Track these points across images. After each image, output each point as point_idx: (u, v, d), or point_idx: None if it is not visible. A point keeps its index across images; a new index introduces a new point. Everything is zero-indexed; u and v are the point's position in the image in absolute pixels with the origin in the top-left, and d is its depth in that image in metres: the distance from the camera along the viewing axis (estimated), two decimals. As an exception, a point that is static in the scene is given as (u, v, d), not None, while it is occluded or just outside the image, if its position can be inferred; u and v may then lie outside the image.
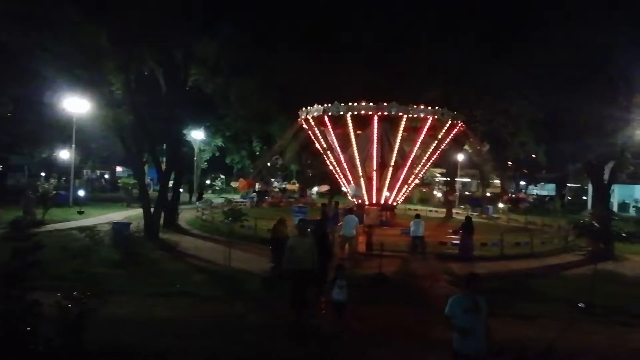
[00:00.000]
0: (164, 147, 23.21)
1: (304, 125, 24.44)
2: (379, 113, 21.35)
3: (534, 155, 38.33)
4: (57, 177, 37.20)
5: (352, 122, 21.83)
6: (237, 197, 33.32)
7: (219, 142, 45.89)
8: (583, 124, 19.49)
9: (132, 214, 22.11)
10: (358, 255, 14.53)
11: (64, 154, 36.93)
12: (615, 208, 34.00)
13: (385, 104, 21.28)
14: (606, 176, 20.29)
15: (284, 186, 42.21)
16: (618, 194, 36.42)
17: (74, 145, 27.29)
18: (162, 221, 18.47)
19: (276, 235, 12.21)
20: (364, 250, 15.15)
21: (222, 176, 50.21)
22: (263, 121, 36.60)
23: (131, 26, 15.23)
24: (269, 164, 42.61)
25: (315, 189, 42.31)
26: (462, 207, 35.69)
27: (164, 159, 21.12)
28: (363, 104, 21.48)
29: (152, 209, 17.47)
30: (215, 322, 8.14)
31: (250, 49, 22.72)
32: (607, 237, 16.37)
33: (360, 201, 23.25)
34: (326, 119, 22.50)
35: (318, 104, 22.65)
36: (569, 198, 46.25)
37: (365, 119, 21.85)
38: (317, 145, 25.06)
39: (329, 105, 22.16)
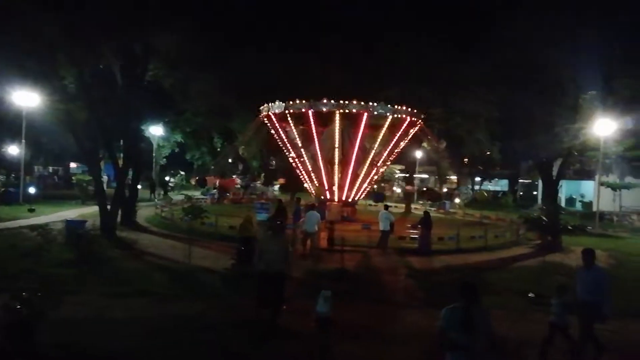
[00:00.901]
0: (121, 143, 22.56)
1: (266, 122, 24.39)
2: (340, 110, 21.57)
3: (488, 153, 39.80)
4: (5, 174, 35.42)
5: (313, 119, 21.96)
6: (197, 194, 32.81)
7: (179, 138, 44.97)
8: (534, 123, 20.45)
9: (87, 212, 21.40)
10: (319, 251, 14.68)
11: (13, 150, 35.20)
12: (562, 203, 35.78)
13: (346, 101, 21.52)
14: (555, 172, 21.38)
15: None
16: (565, 189, 38.31)
17: (23, 141, 26.06)
18: (119, 219, 18.00)
19: (244, 234, 12.16)
20: (325, 246, 15.32)
21: (182, 172, 49.27)
22: (224, 117, 36.18)
23: (86, 18, 14.69)
24: (230, 160, 42.25)
25: (276, 185, 42.26)
26: (420, 202, 36.58)
27: (121, 154, 20.54)
28: (324, 101, 21.64)
29: (108, 207, 17.00)
30: (175, 321, 8.05)
31: (211, 44, 22.34)
32: (555, 230, 17.32)
33: (322, 197, 23.46)
34: (288, 115, 22.53)
35: (280, 101, 22.65)
36: (521, 193, 48.30)
37: (326, 116, 22.03)
38: (279, 141, 25.06)
39: (291, 102, 22.20)
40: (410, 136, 24.54)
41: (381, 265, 13.72)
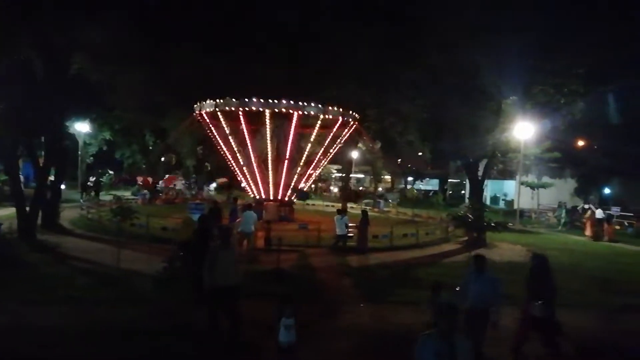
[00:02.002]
0: (43, 140, 21.07)
1: (199, 120, 23.83)
2: (270, 110, 21.46)
3: (420, 153, 41.46)
4: None
5: (246, 118, 21.69)
6: (127, 194, 31.37)
7: (107, 135, 42.75)
8: (461, 126, 21.60)
9: (3, 214, 19.78)
10: (256, 252, 14.58)
11: None
12: (487, 201, 38.09)
13: (276, 100, 21.39)
14: (480, 173, 22.71)
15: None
16: (490, 188, 40.79)
17: None
18: (40, 221, 16.80)
19: (184, 237, 11.66)
20: (262, 246, 15.24)
21: (111, 172, 46.87)
22: (156, 114, 34.84)
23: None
24: (162, 159, 40.78)
25: (212, 185, 41.35)
26: (355, 202, 37.34)
27: (43, 152, 19.18)
28: (255, 100, 21.41)
29: (27, 208, 15.82)
30: (103, 327, 7.67)
31: (141, 38, 21.38)
32: (480, 227, 18.37)
33: (258, 197, 23.30)
34: (219, 114, 22.14)
35: (211, 99, 22.23)
36: (450, 192, 50.70)
37: (258, 115, 21.86)
38: (213, 140, 24.57)
39: (221, 100, 21.81)
40: (345, 136, 24.95)
41: (318, 264, 13.87)
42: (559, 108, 22.23)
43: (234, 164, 24.17)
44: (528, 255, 16.68)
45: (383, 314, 9.20)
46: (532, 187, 34.55)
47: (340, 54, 24.82)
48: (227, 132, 22.93)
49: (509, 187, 41.11)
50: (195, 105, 23.38)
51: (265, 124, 21.87)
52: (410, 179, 54.89)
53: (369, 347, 7.56)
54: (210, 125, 23.34)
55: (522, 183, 31.05)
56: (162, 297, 9.55)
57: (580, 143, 34.22)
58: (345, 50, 24.70)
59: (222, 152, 24.62)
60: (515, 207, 30.12)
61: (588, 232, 23.61)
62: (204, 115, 22.83)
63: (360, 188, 49.75)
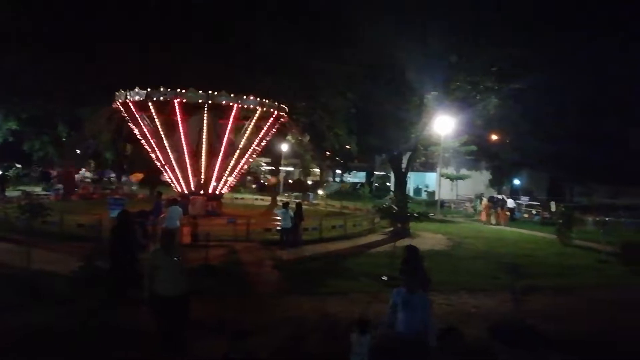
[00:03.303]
0: None
1: (122, 110, 22.51)
2: (208, 101, 20.91)
3: (347, 146, 42.26)
4: None
5: (180, 109, 20.93)
6: (37, 190, 28.98)
7: (13, 125, 39.11)
8: (386, 120, 22.34)
9: None
10: (183, 248, 14.10)
11: None
12: (411, 193, 39.79)
13: (214, 92, 20.93)
14: (404, 165, 23.65)
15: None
16: (413, 180, 42.62)
17: None
18: None
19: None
20: (189, 242, 14.79)
21: (18, 165, 43.02)
22: (71, 103, 32.43)
23: None
24: (78, 151, 38.10)
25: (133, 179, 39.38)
26: (286, 194, 37.39)
27: None
28: (193, 91, 20.75)
29: None
30: (12, 333, 7.06)
31: (48, 22, 19.74)
32: (404, 217, 19.15)
33: (185, 191, 22.55)
34: (150, 104, 21.13)
35: (140, 88, 21.11)
36: (376, 184, 52.30)
37: (193, 107, 21.18)
38: (137, 131, 23.34)
39: (153, 89, 20.84)
40: (276, 129, 24.86)
41: (248, 258, 13.73)
42: (475, 104, 23.69)
43: (160, 157, 23.16)
44: (448, 243, 17.74)
45: (313, 305, 9.32)
46: (452, 178, 36.60)
47: (272, 47, 24.55)
48: (157, 123, 21.93)
49: (431, 179, 43.21)
50: (117, 94, 22.05)
51: (201, 116, 21.21)
52: (338, 171, 55.82)
53: (299, 338, 7.63)
54: (136, 115, 22.15)
55: (442, 175, 32.79)
56: (77, 298, 8.96)
57: (494, 137, 36.72)
58: (277, 44, 24.48)
59: (146, 144, 23.47)
60: (437, 198, 31.76)
61: (483, 217, 26.70)
62: (130, 104, 21.64)
63: (290, 180, 49.77)
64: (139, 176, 38.28)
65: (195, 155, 22.08)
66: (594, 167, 34.88)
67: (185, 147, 21.84)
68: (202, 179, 22.33)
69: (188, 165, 22.16)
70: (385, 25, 19.06)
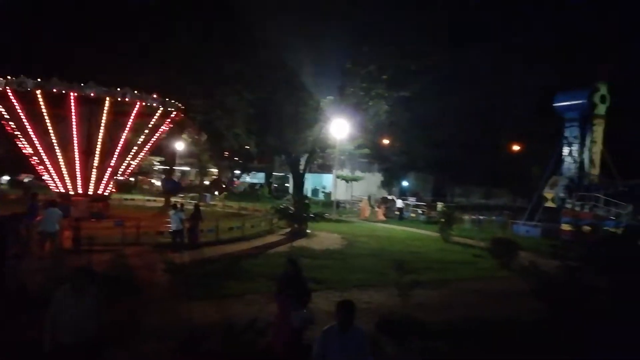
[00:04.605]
0: None
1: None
2: (77, 93, 19.14)
3: (247, 147, 41.93)
4: None
5: (47, 101, 18.94)
6: None
7: None
8: (284, 121, 22.68)
9: None
10: (63, 253, 12.94)
11: None
12: (309, 193, 40.63)
13: (83, 84, 19.20)
14: (302, 167, 24.15)
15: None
16: (311, 181, 43.56)
17: None
18: None
19: None
20: (70, 247, 13.59)
21: None
22: None
23: None
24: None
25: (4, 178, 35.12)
26: (180, 195, 35.96)
27: None
28: (57, 81, 18.83)
29: None
30: None
31: None
32: (301, 218, 19.55)
33: (65, 192, 20.60)
34: (10, 94, 18.91)
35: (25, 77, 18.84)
36: (276, 185, 52.56)
37: (88, 101, 19.32)
38: (13, 125, 20.74)
39: (13, 77, 18.67)
40: (168, 127, 23.74)
41: (139, 263, 12.97)
42: (367, 109, 25.00)
43: (32, 154, 20.83)
44: (343, 242, 18.42)
45: (207, 309, 9.12)
46: (347, 180, 38.09)
47: (162, 40, 23.50)
48: (23, 116, 19.62)
49: (328, 180, 44.53)
50: None
51: (70, 109, 19.35)
52: (237, 172, 55.09)
53: (193, 342, 7.41)
54: (16, 107, 19.64)
55: (338, 176, 33.97)
56: None
57: (385, 141, 38.97)
58: (167, 37, 23.49)
59: (15, 139, 20.98)
60: (333, 198, 32.81)
61: (363, 215, 29.11)
62: (10, 94, 19.14)
63: (208, 181, 47.99)
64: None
65: (84, 154, 20.24)
66: (470, 170, 38.71)
67: (56, 144, 19.85)
68: (89, 179, 20.59)
69: (63, 165, 20.22)
70: (282, 28, 19.37)
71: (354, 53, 21.47)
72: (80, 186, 20.61)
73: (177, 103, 22.92)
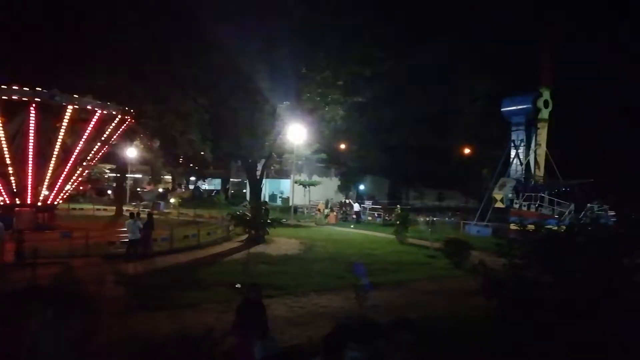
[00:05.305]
0: None
1: None
2: (36, 100, 18.43)
3: (202, 153, 41.20)
4: None
5: (2, 108, 18.16)
6: None
7: None
8: (240, 127, 22.50)
9: None
10: (4, 267, 12.24)
11: None
12: (266, 199, 40.36)
13: (43, 90, 18.54)
14: (259, 172, 24.00)
15: None
16: (268, 187, 43.33)
17: None
18: None
19: None
20: (12, 260, 12.87)
21: None
22: None
23: None
24: None
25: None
26: (133, 203, 34.88)
27: None
28: (15, 87, 18.12)
29: None
30: None
31: None
32: (258, 224, 19.42)
33: (9, 202, 19.55)
34: None
35: None
36: (232, 191, 51.90)
37: (16, 105, 18.47)
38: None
39: None
40: (119, 133, 23.03)
41: (88, 276, 12.46)
42: (324, 114, 25.21)
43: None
44: (301, 247, 18.41)
45: (162, 321, 8.89)
46: (304, 185, 38.16)
47: (109, 43, 22.74)
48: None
49: (285, 186, 44.45)
50: None
51: (27, 117, 18.58)
52: (192, 178, 53.98)
53: (148, 356, 7.20)
54: None
55: (295, 182, 33.98)
56: None
57: (342, 146, 39.38)
58: (115, 41, 22.76)
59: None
60: (291, 203, 32.78)
61: (322, 220, 29.34)
62: None
63: (138, 189, 46.55)
64: None
65: (19, 161, 19.30)
66: (423, 174, 39.76)
67: (5, 152, 18.95)
68: (29, 188, 19.61)
69: (10, 173, 19.27)
70: (237, 32, 19.28)
71: (308, 58, 21.63)
72: (29, 196, 19.64)
73: (129, 109, 22.31)
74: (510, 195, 26.25)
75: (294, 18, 21.20)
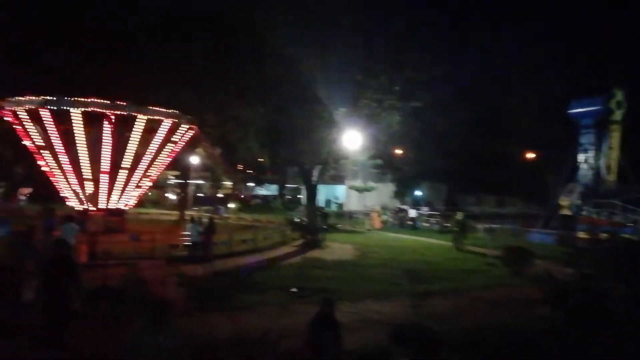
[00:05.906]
0: None
1: (9, 119, 20.59)
2: (113, 111, 19.85)
3: (260, 159, 42.21)
4: None
5: (82, 120, 19.69)
6: None
7: None
8: (298, 134, 22.84)
9: None
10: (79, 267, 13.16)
11: None
12: (322, 204, 40.68)
13: (120, 102, 19.95)
14: (315, 178, 24.23)
15: None
16: (324, 192, 43.61)
17: None
18: None
19: None
20: (86, 261, 13.83)
21: None
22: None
23: None
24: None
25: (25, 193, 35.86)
26: (195, 208, 36.32)
27: None
28: (95, 100, 19.61)
29: None
30: None
31: None
32: (314, 229, 19.63)
33: (82, 207, 21.04)
34: (44, 113, 19.59)
35: (31, 95, 19.53)
36: (289, 197, 52.70)
37: (94, 117, 19.96)
38: (28, 143, 21.38)
39: (50, 97, 19.37)
40: (186, 141, 24.19)
41: (153, 277, 13.13)
42: (380, 120, 25.04)
43: (56, 171, 21.38)
44: (355, 253, 18.39)
45: (220, 322, 9.21)
46: (359, 190, 38.05)
47: (183, 58, 23.92)
48: (54, 134, 20.32)
49: (340, 191, 44.53)
50: (6, 101, 20.23)
51: (104, 127, 20.02)
52: (250, 184, 55.38)
53: (203, 356, 7.48)
54: (27, 125, 20.35)
55: (350, 187, 33.98)
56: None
57: (398, 152, 38.89)
58: (187, 56, 23.92)
59: (39, 157, 21.60)
60: (345, 209, 32.80)
61: (370, 225, 29.60)
62: (19, 113, 19.94)
63: (199, 194, 48.45)
64: (25, 190, 35.08)
65: (96, 170, 20.74)
66: (482, 179, 38.42)
67: (85, 160, 20.45)
68: (104, 194, 21.01)
69: (89, 180, 20.75)
70: (293, 41, 19.65)
71: (364, 64, 21.63)
72: (103, 201, 21.07)
73: (194, 119, 23.42)
74: (578, 202, 24.81)
75: (348, 25, 21.33)
